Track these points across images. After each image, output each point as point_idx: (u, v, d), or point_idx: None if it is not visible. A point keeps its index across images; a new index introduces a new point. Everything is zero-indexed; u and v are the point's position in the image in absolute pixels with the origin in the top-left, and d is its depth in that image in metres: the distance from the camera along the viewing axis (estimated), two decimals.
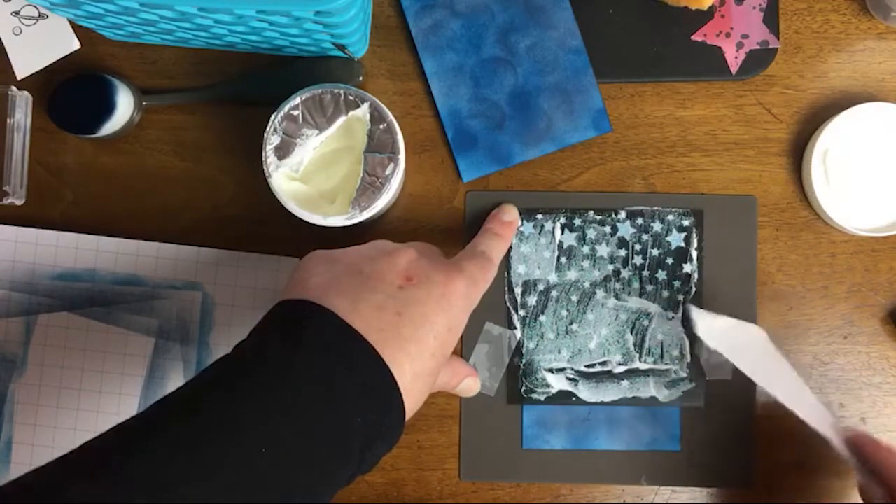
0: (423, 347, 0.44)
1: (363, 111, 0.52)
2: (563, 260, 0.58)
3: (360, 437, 0.41)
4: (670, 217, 0.58)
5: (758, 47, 0.58)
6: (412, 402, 0.44)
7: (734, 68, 0.58)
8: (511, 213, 0.56)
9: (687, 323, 0.57)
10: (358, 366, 0.42)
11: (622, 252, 0.58)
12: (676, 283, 0.58)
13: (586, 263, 0.58)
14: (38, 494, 0.35)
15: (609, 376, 0.58)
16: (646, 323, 0.58)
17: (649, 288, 0.58)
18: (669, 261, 0.58)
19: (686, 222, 0.58)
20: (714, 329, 0.53)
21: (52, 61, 0.59)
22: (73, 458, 0.37)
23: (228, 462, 0.37)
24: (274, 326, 0.44)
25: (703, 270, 0.58)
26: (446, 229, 0.59)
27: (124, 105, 0.58)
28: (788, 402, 0.50)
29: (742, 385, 0.57)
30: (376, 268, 0.45)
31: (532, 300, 0.58)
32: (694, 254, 0.58)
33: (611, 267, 0.58)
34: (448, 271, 0.46)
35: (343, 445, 0.40)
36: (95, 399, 0.57)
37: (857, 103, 0.56)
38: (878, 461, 0.49)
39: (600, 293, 0.58)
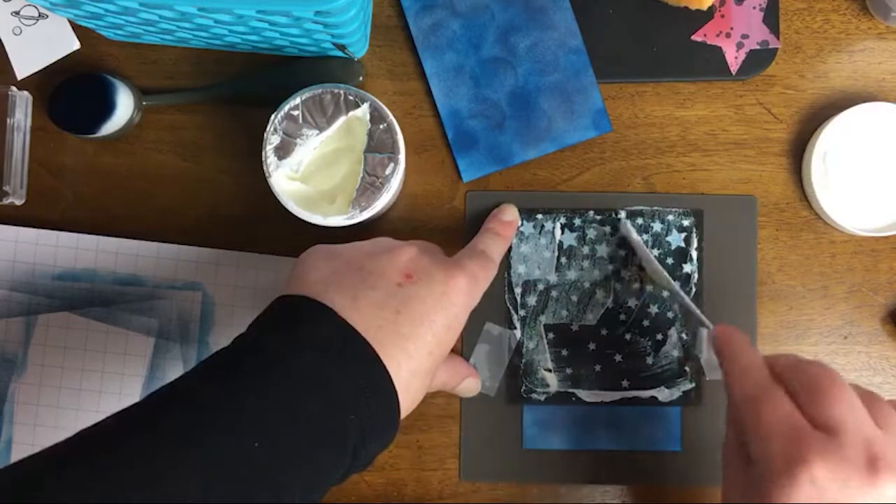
0: (421, 345, 0.44)
1: (363, 111, 0.52)
2: (563, 260, 0.58)
3: (353, 434, 0.41)
4: (670, 217, 0.58)
5: (758, 47, 0.58)
6: (408, 400, 0.44)
7: (734, 68, 0.58)
8: (511, 213, 0.56)
9: (687, 322, 0.57)
10: (353, 363, 0.42)
11: (622, 252, 0.58)
12: (676, 284, 0.58)
13: (586, 263, 0.58)
14: (17, 489, 0.35)
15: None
16: (646, 323, 0.58)
17: (649, 288, 0.58)
18: (669, 261, 0.58)
19: (686, 222, 0.58)
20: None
21: (52, 61, 0.59)
22: (65, 446, 0.37)
23: (221, 455, 0.37)
24: (272, 322, 0.44)
25: (703, 270, 0.58)
26: (446, 229, 0.59)
27: (124, 105, 0.58)
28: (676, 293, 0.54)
29: None
30: (377, 264, 0.45)
31: (532, 300, 0.58)
32: (694, 254, 0.58)
33: (611, 267, 0.58)
34: (449, 269, 0.46)
35: (336, 442, 0.40)
36: (95, 399, 0.57)
37: (857, 103, 0.56)
38: (725, 348, 0.46)
39: (600, 293, 0.58)
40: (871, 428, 0.40)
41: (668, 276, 0.54)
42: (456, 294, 0.46)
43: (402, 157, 0.52)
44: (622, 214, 0.57)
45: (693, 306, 0.53)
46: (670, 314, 0.58)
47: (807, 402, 0.40)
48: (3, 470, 0.36)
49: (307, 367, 0.41)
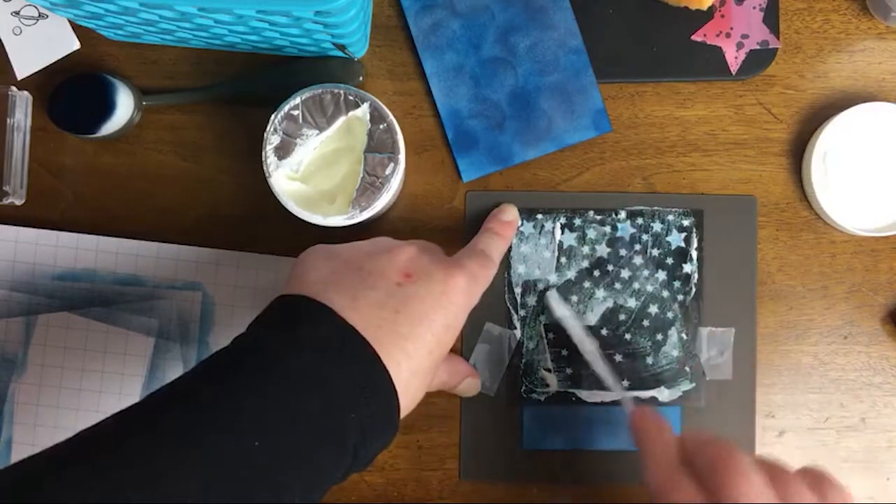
0: (421, 345, 0.44)
1: (363, 111, 0.52)
2: (563, 260, 0.58)
3: (353, 434, 0.41)
4: (670, 217, 0.58)
5: (758, 47, 0.58)
6: (408, 399, 0.44)
7: (734, 68, 0.58)
8: (511, 213, 0.56)
9: (688, 323, 0.57)
10: (353, 363, 0.42)
11: (622, 252, 0.58)
12: (676, 283, 0.58)
13: (586, 263, 0.58)
14: (17, 489, 0.35)
15: None
16: (646, 323, 0.58)
17: (649, 288, 0.58)
18: (669, 261, 0.58)
19: (686, 222, 0.58)
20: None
21: (52, 61, 0.59)
22: (65, 446, 0.37)
23: (221, 455, 0.37)
24: (271, 321, 0.44)
25: (703, 270, 0.58)
26: (446, 229, 0.59)
27: (124, 105, 0.58)
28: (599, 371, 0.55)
29: (742, 385, 0.57)
30: (376, 264, 0.45)
31: (532, 300, 0.58)
32: (694, 254, 0.58)
33: (611, 267, 0.58)
34: (448, 269, 0.47)
35: (336, 441, 0.40)
36: (95, 399, 0.57)
37: (857, 103, 0.56)
38: (639, 433, 0.47)
39: (600, 293, 0.58)
40: None
41: (593, 350, 0.55)
42: (455, 293, 0.46)
43: (402, 157, 0.52)
44: (550, 292, 0.57)
45: (613, 377, 0.54)
46: (670, 314, 0.58)
47: (711, 486, 0.41)
48: (3, 470, 0.36)
49: (306, 367, 0.41)
